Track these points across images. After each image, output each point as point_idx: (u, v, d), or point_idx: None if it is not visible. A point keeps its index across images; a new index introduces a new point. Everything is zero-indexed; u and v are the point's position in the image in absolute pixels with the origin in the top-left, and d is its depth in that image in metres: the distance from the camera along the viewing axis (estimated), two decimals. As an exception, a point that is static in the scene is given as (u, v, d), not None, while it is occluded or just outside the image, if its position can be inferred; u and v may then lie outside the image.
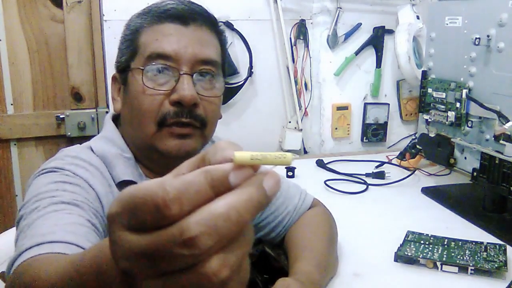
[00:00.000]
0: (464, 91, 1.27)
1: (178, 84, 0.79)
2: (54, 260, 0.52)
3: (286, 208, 1.00)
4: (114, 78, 0.88)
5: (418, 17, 1.79)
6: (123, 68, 0.84)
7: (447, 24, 1.34)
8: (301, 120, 1.84)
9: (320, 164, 1.64)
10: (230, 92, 1.73)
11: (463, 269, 0.94)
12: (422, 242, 1.03)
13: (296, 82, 1.82)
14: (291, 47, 1.80)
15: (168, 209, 0.30)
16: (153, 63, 0.79)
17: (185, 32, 0.81)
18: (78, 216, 0.69)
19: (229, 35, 1.69)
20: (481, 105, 1.20)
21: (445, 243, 1.03)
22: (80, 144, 0.88)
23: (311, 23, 1.82)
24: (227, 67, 0.91)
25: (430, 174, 1.56)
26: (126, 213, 0.31)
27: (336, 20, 1.81)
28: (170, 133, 0.80)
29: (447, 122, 1.33)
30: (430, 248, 1.00)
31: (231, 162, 0.32)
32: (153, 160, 0.85)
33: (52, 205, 0.69)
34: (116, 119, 0.91)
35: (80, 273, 0.39)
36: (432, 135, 1.42)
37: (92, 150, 0.85)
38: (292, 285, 0.76)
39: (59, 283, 0.43)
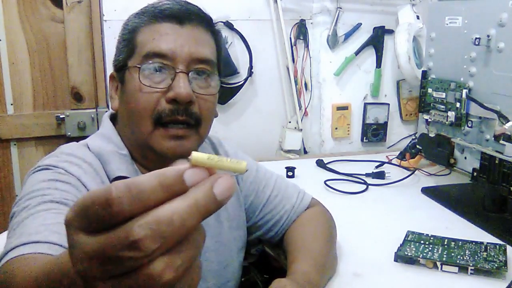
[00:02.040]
0: (464, 91, 1.26)
1: (174, 82, 0.80)
2: (33, 261, 0.53)
3: (283, 207, 1.00)
4: (111, 77, 0.89)
5: (418, 17, 1.79)
6: (121, 67, 0.85)
7: (447, 24, 1.34)
8: (301, 120, 1.84)
9: (320, 164, 1.64)
10: (230, 92, 1.73)
11: (463, 269, 0.93)
12: (422, 242, 1.03)
13: (296, 82, 1.82)
14: (291, 47, 1.80)
15: (109, 207, 0.30)
16: (150, 62, 0.80)
17: (181, 31, 0.82)
18: None
19: (229, 35, 1.70)
20: (481, 105, 1.20)
21: (445, 243, 1.02)
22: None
23: (311, 23, 1.82)
24: (223, 67, 0.92)
25: (430, 174, 1.55)
26: (78, 215, 0.32)
27: (336, 20, 1.80)
28: (166, 134, 0.80)
29: (447, 122, 1.32)
30: (430, 248, 1.00)
31: (187, 164, 0.33)
32: (149, 158, 0.86)
33: (41, 204, 0.70)
34: (114, 117, 0.91)
35: (47, 276, 0.39)
36: (432, 135, 1.42)
37: (88, 148, 0.85)
38: (288, 286, 0.76)
39: (30, 284, 0.44)
